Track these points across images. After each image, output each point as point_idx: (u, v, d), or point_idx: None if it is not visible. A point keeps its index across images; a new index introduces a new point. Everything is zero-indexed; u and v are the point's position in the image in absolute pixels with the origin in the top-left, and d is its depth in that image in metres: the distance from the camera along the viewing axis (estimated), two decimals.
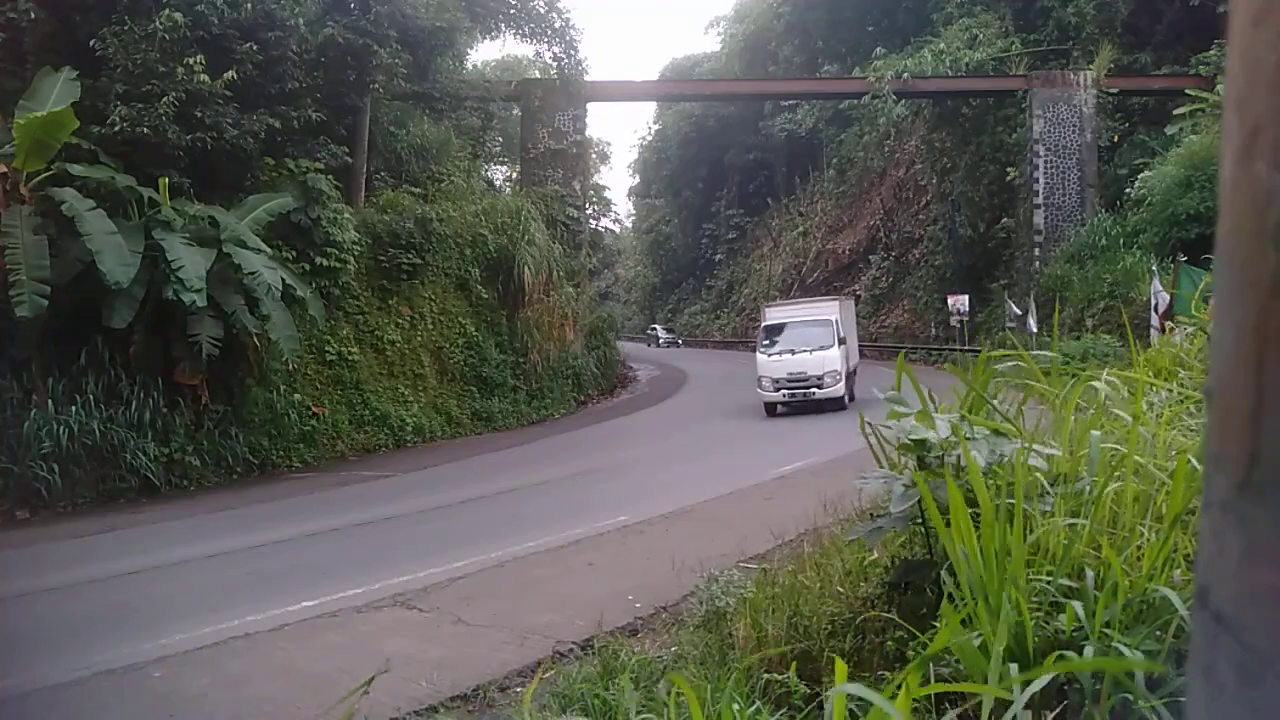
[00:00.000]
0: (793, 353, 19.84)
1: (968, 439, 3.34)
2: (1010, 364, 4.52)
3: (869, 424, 4.14)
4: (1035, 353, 4.82)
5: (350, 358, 18.58)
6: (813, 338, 19.96)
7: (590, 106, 28.92)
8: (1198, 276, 11.93)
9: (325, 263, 17.61)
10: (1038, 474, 3.27)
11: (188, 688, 5.55)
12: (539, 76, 29.49)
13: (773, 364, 19.85)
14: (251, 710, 5.12)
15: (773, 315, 22.01)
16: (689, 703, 2.49)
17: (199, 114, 15.07)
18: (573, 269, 26.52)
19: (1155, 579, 2.73)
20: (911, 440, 3.49)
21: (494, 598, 7.10)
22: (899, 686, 2.09)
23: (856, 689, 2.22)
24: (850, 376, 20.94)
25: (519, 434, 20.00)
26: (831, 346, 19.72)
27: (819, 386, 19.40)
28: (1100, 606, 2.62)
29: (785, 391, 19.54)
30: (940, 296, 32.86)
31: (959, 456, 3.34)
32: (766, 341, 20.59)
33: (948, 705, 2.69)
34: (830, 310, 21.39)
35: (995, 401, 4.09)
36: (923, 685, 2.63)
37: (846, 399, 19.75)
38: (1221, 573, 0.58)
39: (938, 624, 2.92)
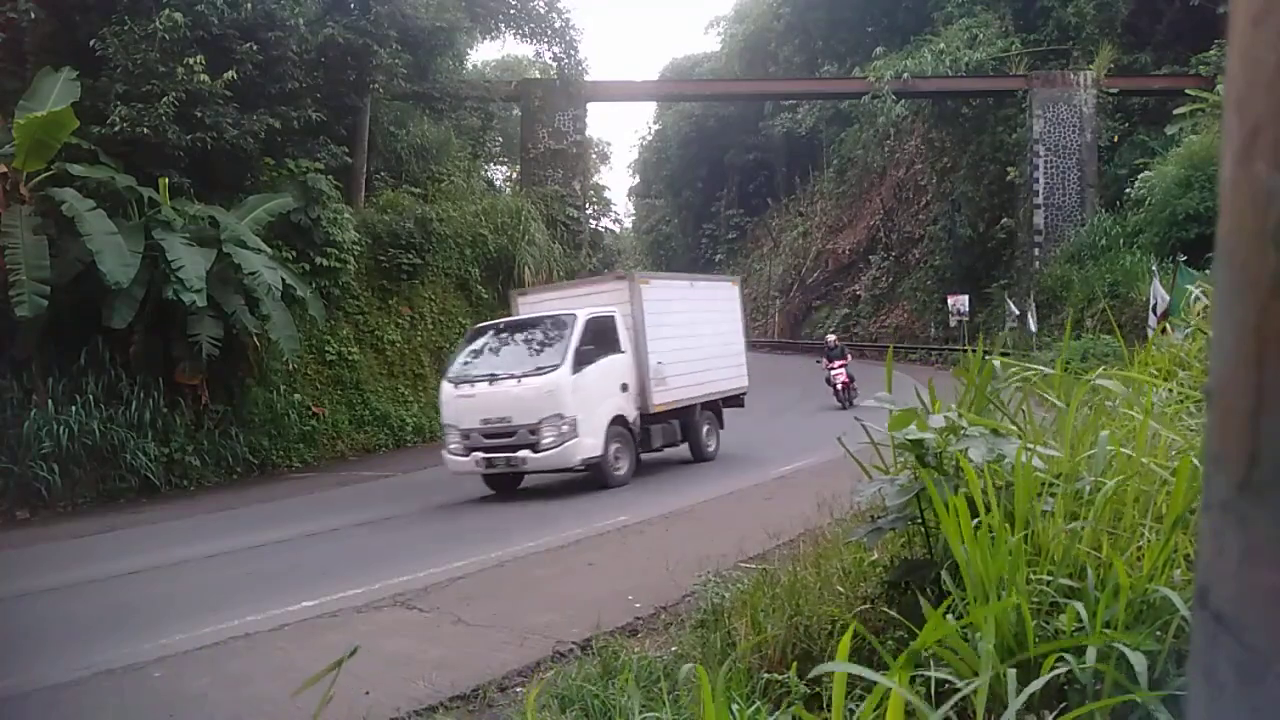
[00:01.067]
0: (490, 381, 11.47)
1: (966, 436, 3.34)
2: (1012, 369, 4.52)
3: (861, 423, 4.13)
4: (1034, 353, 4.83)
5: (350, 358, 18.58)
6: (528, 354, 11.84)
7: (590, 106, 28.92)
8: (1190, 279, 11.94)
9: (325, 263, 17.61)
10: (1037, 473, 3.28)
11: (188, 688, 5.55)
12: (539, 76, 29.48)
13: (460, 404, 11.55)
14: (251, 710, 5.12)
15: (523, 309, 13.39)
16: (703, 692, 2.49)
17: (199, 114, 15.08)
18: (573, 269, 26.51)
19: (1156, 579, 2.73)
20: (909, 440, 3.49)
21: (494, 598, 7.10)
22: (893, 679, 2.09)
23: (853, 668, 2.22)
24: (682, 417, 13.25)
25: None
26: (559, 368, 11.25)
27: (533, 447, 11.10)
28: (1101, 607, 2.62)
29: (480, 455, 11.38)
30: (940, 296, 32.86)
31: (957, 454, 3.34)
32: (463, 361, 12.20)
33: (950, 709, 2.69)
34: (597, 298, 12.67)
35: (995, 401, 4.09)
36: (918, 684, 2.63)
37: (618, 468, 11.90)
38: (1221, 573, 0.58)
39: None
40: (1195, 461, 2.88)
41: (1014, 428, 3.74)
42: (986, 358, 4.23)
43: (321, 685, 2.29)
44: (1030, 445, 3.25)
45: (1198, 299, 6.90)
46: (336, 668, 2.45)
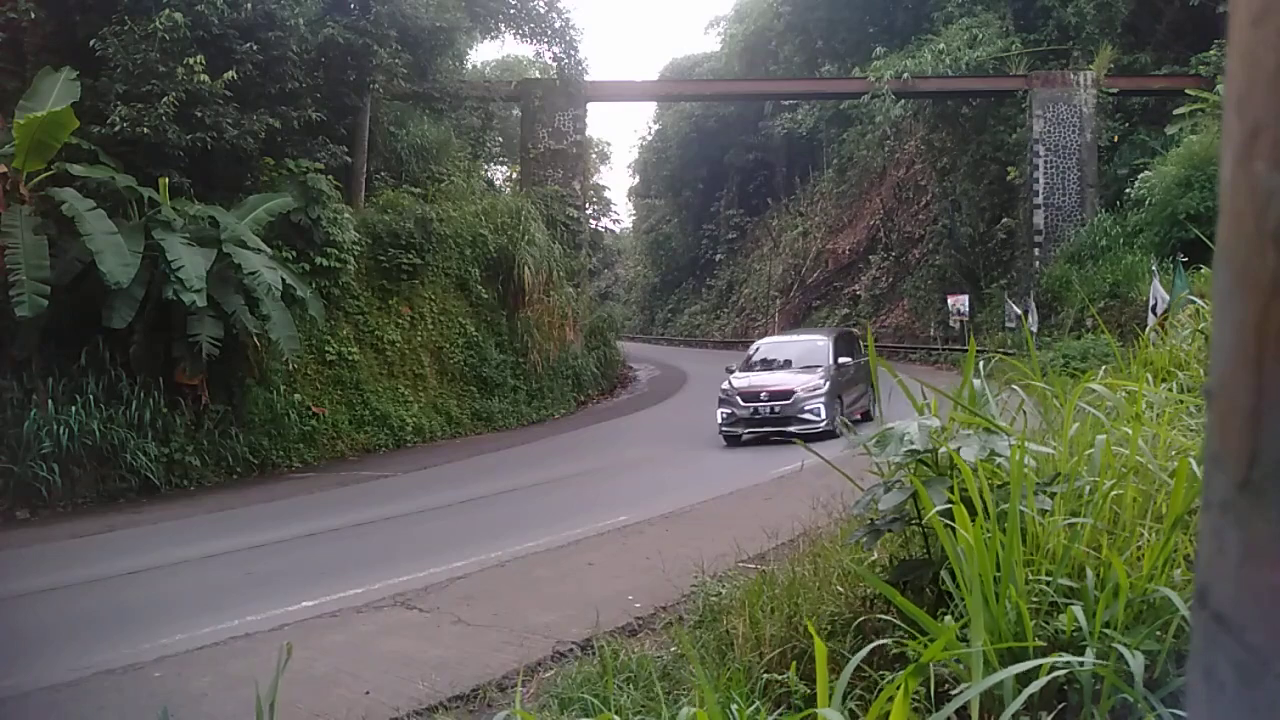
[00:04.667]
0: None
1: (959, 435, 3.34)
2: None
3: (848, 424, 4.12)
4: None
5: (350, 358, 18.57)
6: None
7: (590, 106, 28.91)
8: (1183, 279, 11.98)
9: (325, 263, 17.60)
10: (1029, 472, 3.27)
11: (188, 688, 5.55)
12: (539, 76, 29.48)
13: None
14: (251, 710, 5.12)
15: None
16: (703, 696, 2.49)
17: (199, 114, 15.06)
18: (573, 269, 26.51)
19: (1156, 579, 2.73)
20: (907, 453, 3.49)
21: (494, 598, 7.10)
22: (898, 687, 2.09)
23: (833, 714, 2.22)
24: None
25: (519, 434, 20.00)
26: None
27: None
28: (1100, 607, 2.62)
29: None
30: (940, 296, 32.85)
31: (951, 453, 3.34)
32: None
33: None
34: None
35: (992, 401, 4.08)
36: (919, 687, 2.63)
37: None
38: (1221, 573, 0.58)
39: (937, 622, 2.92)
40: (1193, 463, 2.88)
41: (1005, 427, 3.74)
42: (981, 357, 4.23)
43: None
44: (1019, 444, 3.25)
45: (1190, 301, 6.90)
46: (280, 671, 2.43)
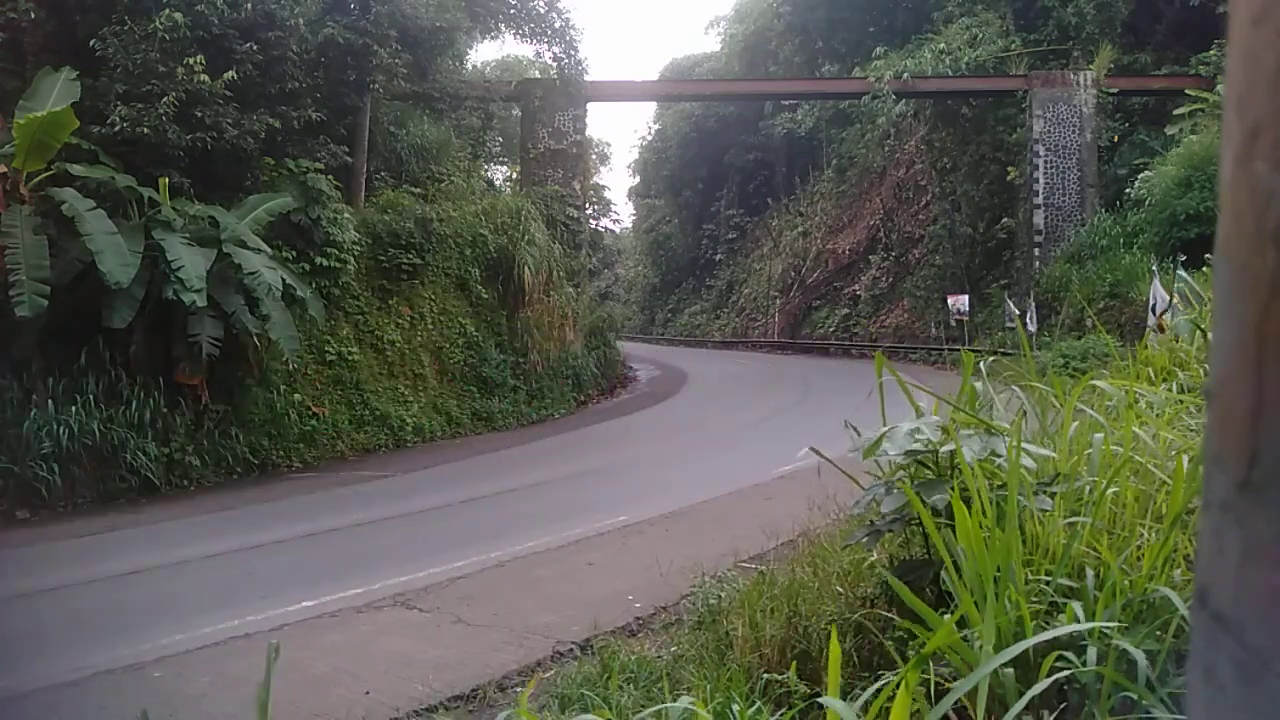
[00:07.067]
0: None
1: (959, 435, 3.34)
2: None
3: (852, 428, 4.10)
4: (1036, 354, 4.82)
5: (350, 358, 18.57)
6: None
7: (590, 106, 28.94)
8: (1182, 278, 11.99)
9: (325, 263, 17.59)
10: (1025, 471, 3.27)
11: (188, 688, 5.55)
12: (539, 76, 29.50)
13: None
14: (251, 710, 5.12)
15: None
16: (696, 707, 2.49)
17: (199, 114, 15.06)
18: (573, 269, 26.52)
19: (1155, 579, 2.73)
20: (906, 452, 3.49)
21: (494, 598, 7.10)
22: (898, 685, 2.09)
23: (834, 703, 2.22)
24: None
25: (519, 434, 20.00)
26: None
27: None
28: (1100, 607, 2.62)
29: None
30: (940, 296, 32.85)
31: (952, 453, 3.34)
32: None
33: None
34: None
35: (997, 402, 4.08)
36: (920, 685, 2.63)
37: None
38: (1221, 573, 0.58)
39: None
40: (1188, 458, 2.88)
41: (1004, 427, 3.74)
42: (978, 358, 4.23)
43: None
44: (1017, 444, 3.24)
45: (1185, 301, 6.90)
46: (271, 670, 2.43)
